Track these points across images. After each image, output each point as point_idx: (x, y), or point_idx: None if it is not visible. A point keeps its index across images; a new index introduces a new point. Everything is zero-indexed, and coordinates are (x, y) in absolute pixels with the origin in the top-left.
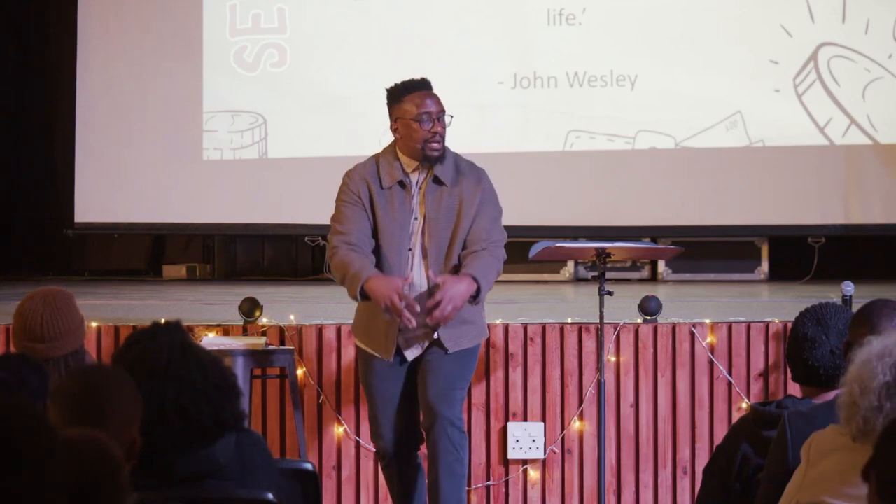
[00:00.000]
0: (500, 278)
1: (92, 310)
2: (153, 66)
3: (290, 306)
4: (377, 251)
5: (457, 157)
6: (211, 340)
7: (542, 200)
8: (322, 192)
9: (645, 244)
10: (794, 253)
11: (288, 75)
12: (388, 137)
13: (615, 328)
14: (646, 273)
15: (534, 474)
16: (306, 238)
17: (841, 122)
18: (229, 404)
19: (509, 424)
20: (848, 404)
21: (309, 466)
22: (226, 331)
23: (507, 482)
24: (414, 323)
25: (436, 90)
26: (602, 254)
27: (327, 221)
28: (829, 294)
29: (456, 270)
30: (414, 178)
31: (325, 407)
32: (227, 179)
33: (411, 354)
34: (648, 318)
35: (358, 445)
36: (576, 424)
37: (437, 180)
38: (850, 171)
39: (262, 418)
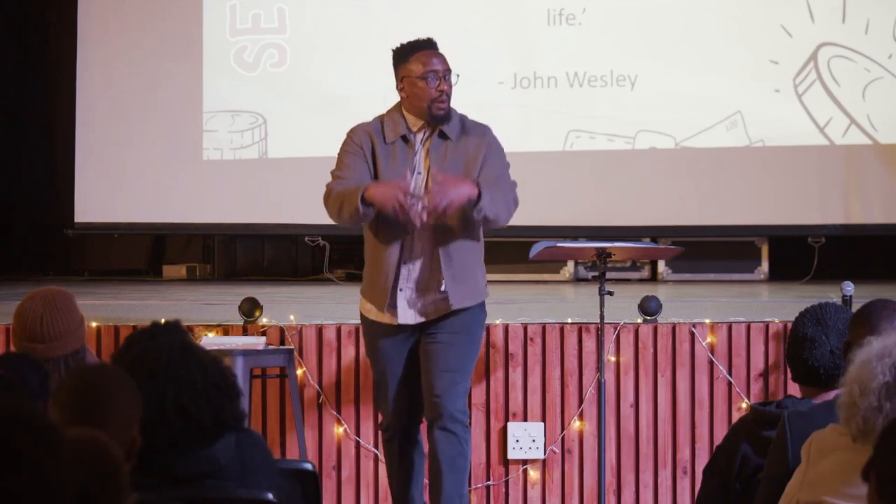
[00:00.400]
0: (500, 278)
1: (92, 310)
2: (153, 66)
3: (290, 306)
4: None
5: (463, 116)
6: (211, 340)
7: (542, 200)
8: (322, 192)
9: (645, 244)
10: (794, 253)
11: (288, 75)
12: None
13: (615, 328)
14: (646, 273)
15: (534, 474)
16: (306, 238)
17: (841, 122)
18: (229, 404)
19: (509, 424)
20: (848, 405)
21: (309, 466)
22: (226, 331)
23: (507, 482)
24: (424, 217)
25: None
26: (602, 254)
27: (327, 221)
28: (829, 294)
29: (463, 226)
30: (419, 136)
31: (325, 407)
32: (227, 179)
33: (407, 318)
34: (648, 318)
35: (358, 445)
36: (576, 424)
37: (442, 135)
38: (850, 171)
39: (262, 418)
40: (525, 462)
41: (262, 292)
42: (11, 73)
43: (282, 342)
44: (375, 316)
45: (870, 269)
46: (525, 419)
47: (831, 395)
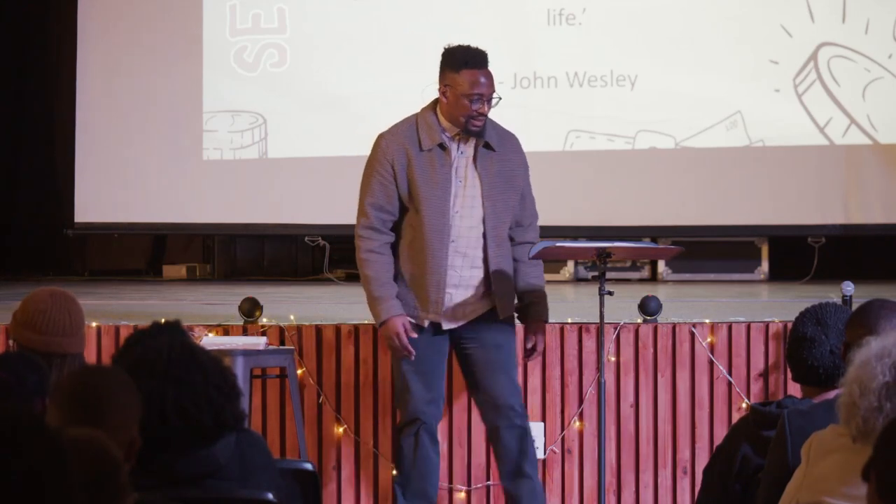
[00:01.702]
0: None
1: (92, 310)
2: (153, 66)
3: (290, 306)
4: (418, 214)
5: (491, 121)
6: (211, 340)
7: (542, 200)
8: (322, 192)
9: (645, 244)
10: (794, 253)
11: (288, 75)
12: None
13: (615, 328)
14: (646, 273)
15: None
16: (306, 238)
17: (841, 122)
18: (229, 404)
19: None
20: (848, 405)
21: (309, 466)
22: (226, 331)
23: None
24: (412, 357)
25: (436, 91)
26: (602, 254)
27: (327, 221)
28: (829, 294)
29: (502, 238)
30: (456, 143)
31: (325, 407)
32: (227, 179)
33: (450, 322)
34: (648, 318)
35: (358, 445)
36: (576, 424)
37: (486, 145)
38: (850, 171)
39: (262, 418)
40: None
41: (262, 292)
42: (11, 74)
43: (282, 342)
44: (413, 319)
45: (870, 269)
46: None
47: (831, 394)
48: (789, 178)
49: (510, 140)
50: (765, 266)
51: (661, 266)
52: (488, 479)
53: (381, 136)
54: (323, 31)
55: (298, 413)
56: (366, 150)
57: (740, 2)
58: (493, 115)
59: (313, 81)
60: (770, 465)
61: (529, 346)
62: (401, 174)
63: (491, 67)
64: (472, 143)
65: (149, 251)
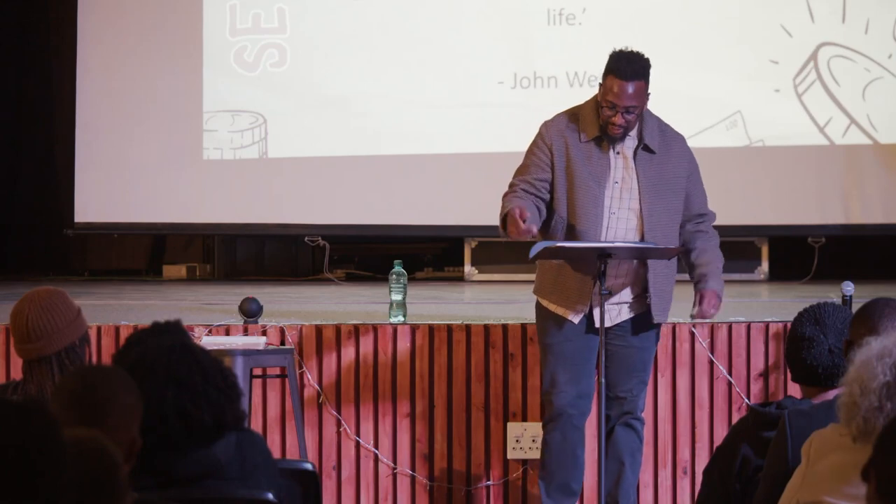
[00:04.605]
0: (500, 278)
1: (92, 310)
2: (153, 65)
3: (290, 306)
4: (571, 204)
5: (659, 121)
6: (211, 340)
7: None
8: (322, 192)
9: (645, 244)
10: (794, 253)
11: (288, 75)
12: (387, 138)
13: None
14: None
15: (534, 474)
16: (306, 238)
17: (841, 122)
18: (229, 404)
19: (509, 424)
20: (848, 405)
21: (309, 466)
22: (226, 331)
23: (506, 482)
24: (534, 231)
25: (436, 91)
26: (602, 254)
27: (327, 221)
28: (829, 294)
29: (669, 241)
30: (616, 141)
31: (325, 407)
32: (227, 179)
33: (605, 321)
34: None
35: (358, 445)
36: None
37: (646, 148)
38: (850, 171)
39: (262, 418)
40: (525, 462)
41: (262, 292)
42: (11, 73)
43: (282, 342)
44: (565, 312)
45: (870, 269)
46: (525, 419)
47: (831, 395)
48: (789, 178)
49: (677, 141)
50: (765, 266)
51: None
52: (488, 479)
53: (542, 125)
54: (323, 31)
55: (298, 413)
56: (366, 150)
57: (740, 2)
58: (495, 114)
59: (313, 81)
60: (770, 465)
61: (695, 311)
62: (558, 159)
63: (491, 67)
64: (630, 143)
65: (149, 251)
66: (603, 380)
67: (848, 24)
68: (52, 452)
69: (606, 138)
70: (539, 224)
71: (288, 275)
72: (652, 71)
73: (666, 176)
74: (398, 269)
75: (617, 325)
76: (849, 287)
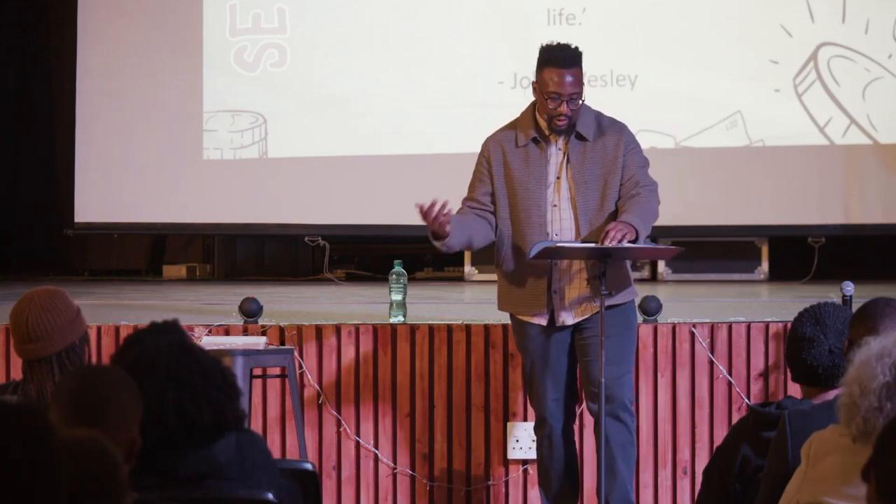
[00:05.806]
0: None
1: (92, 310)
2: (153, 65)
3: (290, 306)
4: (515, 208)
5: (598, 113)
6: (211, 340)
7: None
8: (322, 192)
9: (645, 244)
10: (794, 253)
11: (288, 75)
12: (387, 138)
13: None
14: (646, 273)
15: (534, 474)
16: (306, 238)
17: (841, 122)
18: (229, 404)
19: (509, 424)
20: (848, 405)
21: (309, 466)
22: (226, 331)
23: (506, 482)
24: (436, 208)
25: (436, 91)
26: (602, 254)
27: (327, 221)
28: (829, 294)
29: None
30: (553, 139)
31: (325, 407)
32: (227, 179)
33: (566, 319)
34: (648, 318)
35: (358, 445)
36: (575, 425)
37: (579, 136)
38: (850, 171)
39: (262, 418)
40: (525, 462)
41: (262, 292)
42: (11, 74)
43: (282, 342)
44: (527, 317)
45: (870, 269)
46: (525, 419)
47: (831, 395)
48: (789, 178)
49: (614, 127)
50: (765, 266)
51: (661, 266)
52: (488, 479)
53: (485, 140)
54: (323, 31)
55: (298, 413)
56: (365, 150)
57: (740, 2)
58: (495, 114)
59: (313, 81)
60: (770, 465)
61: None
62: (496, 169)
63: (491, 67)
64: (566, 137)
65: (149, 251)
66: (603, 379)
67: (848, 24)
68: (46, 455)
69: (543, 139)
70: (452, 221)
71: (288, 275)
72: (651, 71)
73: (598, 159)
74: (398, 269)
75: (585, 318)
76: (849, 287)
